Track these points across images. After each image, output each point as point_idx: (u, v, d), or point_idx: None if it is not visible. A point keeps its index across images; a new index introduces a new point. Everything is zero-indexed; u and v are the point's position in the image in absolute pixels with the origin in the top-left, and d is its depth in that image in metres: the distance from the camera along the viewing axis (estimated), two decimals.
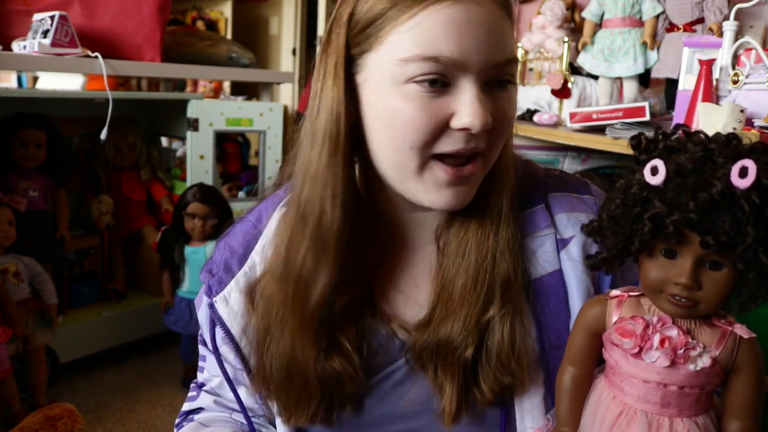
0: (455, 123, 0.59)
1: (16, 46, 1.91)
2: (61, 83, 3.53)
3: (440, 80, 0.59)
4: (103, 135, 2.04)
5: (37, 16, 1.90)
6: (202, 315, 0.76)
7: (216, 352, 0.74)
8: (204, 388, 0.82)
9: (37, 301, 1.92)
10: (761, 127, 1.10)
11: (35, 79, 3.60)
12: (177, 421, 0.82)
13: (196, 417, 0.80)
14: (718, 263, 0.55)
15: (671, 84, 1.63)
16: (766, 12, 1.48)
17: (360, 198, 0.67)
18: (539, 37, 2.09)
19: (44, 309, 1.94)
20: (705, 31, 1.52)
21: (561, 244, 0.69)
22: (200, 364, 0.82)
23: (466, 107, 0.59)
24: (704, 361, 0.57)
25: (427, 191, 0.63)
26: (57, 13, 1.85)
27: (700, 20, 1.56)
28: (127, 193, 2.51)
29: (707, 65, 1.22)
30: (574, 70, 1.90)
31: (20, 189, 2.05)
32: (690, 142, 0.56)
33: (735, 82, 1.20)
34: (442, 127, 0.60)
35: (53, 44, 1.85)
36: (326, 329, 0.66)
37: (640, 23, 1.66)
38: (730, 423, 0.60)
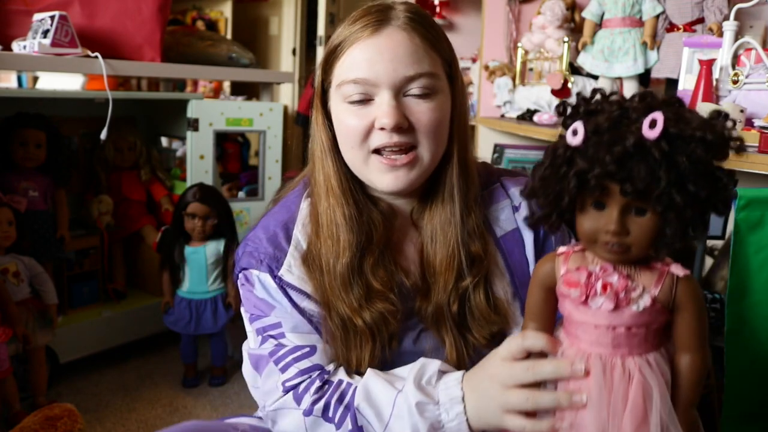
0: (377, 123, 0.82)
1: (16, 46, 1.91)
2: (61, 83, 3.53)
3: (364, 96, 0.82)
4: (103, 135, 2.04)
5: (37, 16, 1.90)
6: (264, 291, 0.88)
7: (298, 309, 0.87)
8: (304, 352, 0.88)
9: (37, 301, 1.92)
10: (761, 127, 1.10)
11: (35, 79, 3.60)
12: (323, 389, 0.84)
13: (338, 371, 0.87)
14: (641, 209, 0.61)
15: (671, 84, 1.63)
16: (766, 12, 1.48)
17: (359, 189, 0.89)
18: (539, 37, 2.09)
19: (44, 309, 1.93)
20: (705, 31, 1.52)
21: (515, 209, 0.93)
22: (272, 333, 0.87)
23: (380, 111, 0.81)
24: (645, 301, 0.63)
25: (374, 178, 0.85)
26: (57, 13, 1.85)
27: (700, 20, 1.56)
28: (127, 193, 2.51)
29: (707, 65, 1.22)
30: (574, 70, 1.90)
31: (20, 189, 2.04)
32: (606, 103, 0.63)
33: (735, 82, 1.20)
34: (369, 129, 0.82)
35: (53, 44, 1.85)
36: (359, 282, 0.85)
37: (640, 23, 1.66)
38: (681, 357, 0.65)
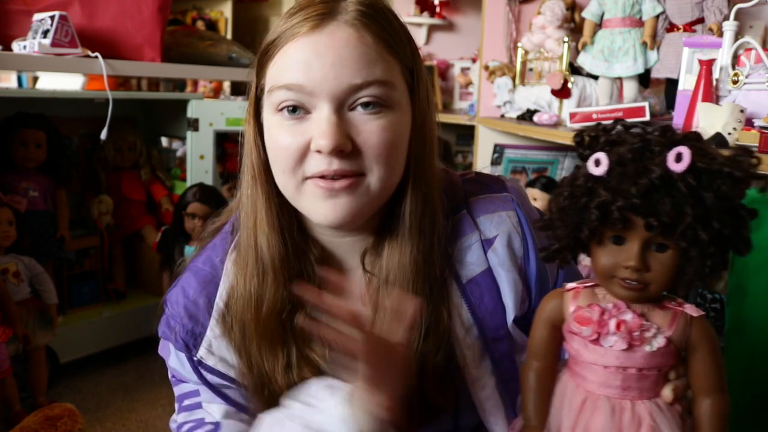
0: (312, 146, 0.66)
1: (16, 46, 1.91)
2: (61, 83, 3.53)
3: (299, 107, 0.66)
4: (103, 135, 2.04)
5: (37, 16, 1.90)
6: (180, 365, 0.79)
7: (214, 389, 0.78)
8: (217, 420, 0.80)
9: (37, 301, 1.92)
10: (761, 127, 1.10)
11: (35, 79, 3.59)
12: None
13: None
14: (663, 245, 0.59)
15: (671, 84, 1.63)
16: (766, 12, 1.48)
17: (295, 224, 0.74)
18: (539, 37, 2.09)
19: (44, 309, 1.93)
20: (705, 31, 1.52)
21: (486, 244, 0.76)
22: (188, 402, 0.82)
23: (317, 130, 0.65)
24: (659, 342, 0.60)
25: (310, 209, 0.69)
26: (57, 13, 1.85)
27: (700, 20, 1.56)
28: (127, 193, 2.51)
29: (707, 65, 1.22)
30: (574, 70, 1.89)
31: (20, 189, 2.04)
32: (628, 135, 0.61)
33: (735, 82, 1.19)
34: (305, 151, 0.67)
35: (53, 44, 1.84)
36: (293, 344, 0.72)
37: (640, 23, 1.66)
38: (701, 401, 0.62)
